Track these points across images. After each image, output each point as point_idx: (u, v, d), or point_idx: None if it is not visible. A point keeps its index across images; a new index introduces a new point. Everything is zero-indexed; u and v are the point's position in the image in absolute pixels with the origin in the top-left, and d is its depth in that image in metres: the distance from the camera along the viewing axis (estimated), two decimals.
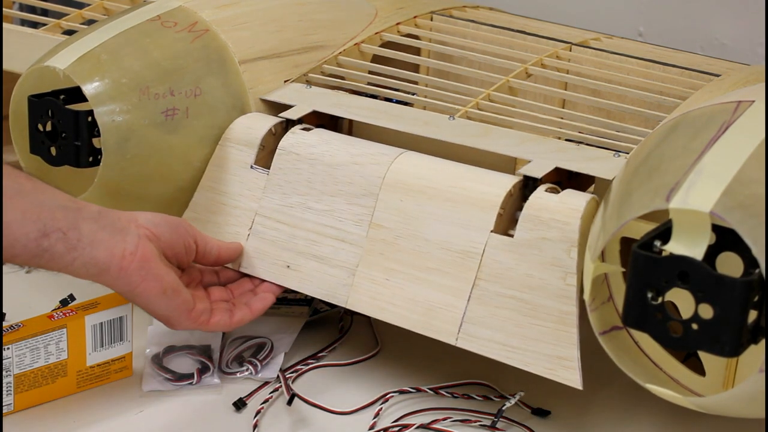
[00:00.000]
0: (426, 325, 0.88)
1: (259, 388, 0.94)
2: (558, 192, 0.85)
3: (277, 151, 0.96)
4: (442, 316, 0.87)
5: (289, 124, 0.97)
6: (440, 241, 0.88)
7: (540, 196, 0.85)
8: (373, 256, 0.90)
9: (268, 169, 0.96)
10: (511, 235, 0.85)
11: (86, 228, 0.82)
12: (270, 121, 0.97)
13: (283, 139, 0.96)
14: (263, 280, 0.95)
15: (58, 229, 0.81)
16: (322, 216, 0.93)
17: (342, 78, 1.06)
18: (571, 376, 0.81)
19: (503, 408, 0.90)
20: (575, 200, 0.83)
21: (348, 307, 0.91)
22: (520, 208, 0.85)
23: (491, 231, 0.86)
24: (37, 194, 0.81)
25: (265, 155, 0.96)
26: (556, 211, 0.83)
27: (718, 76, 1.02)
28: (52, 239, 0.80)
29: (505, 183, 0.87)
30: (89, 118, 0.91)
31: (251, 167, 0.96)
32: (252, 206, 0.96)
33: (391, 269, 0.90)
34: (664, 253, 0.69)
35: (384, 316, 0.90)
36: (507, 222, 0.86)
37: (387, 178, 0.91)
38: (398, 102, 1.02)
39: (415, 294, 0.88)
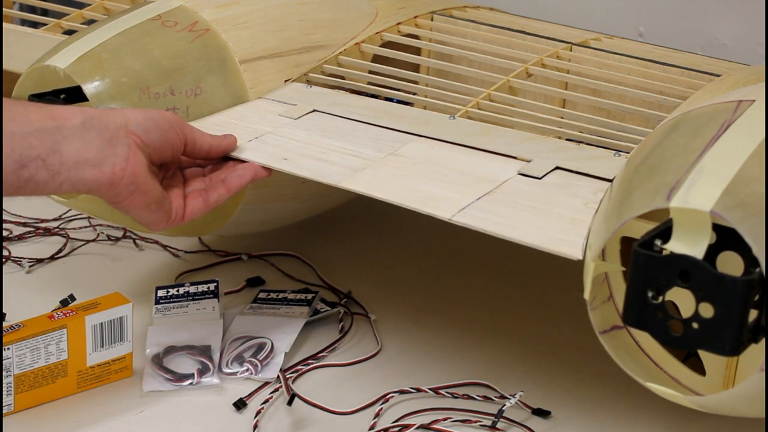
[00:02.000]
0: (423, 204, 0.83)
1: (259, 388, 0.94)
2: None
3: (314, 111, 0.96)
4: (443, 201, 0.83)
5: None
6: (462, 169, 0.87)
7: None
8: (383, 166, 0.88)
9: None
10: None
11: (68, 148, 0.79)
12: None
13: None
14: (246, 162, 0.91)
15: (36, 156, 0.77)
16: (341, 142, 0.91)
17: (342, 78, 1.06)
18: (571, 250, 0.77)
19: (503, 408, 0.90)
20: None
21: (341, 185, 0.86)
22: None
23: (518, 173, 0.86)
24: (8, 124, 0.77)
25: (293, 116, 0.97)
26: (584, 177, 0.85)
27: (718, 76, 1.02)
28: (31, 169, 0.77)
29: None
30: None
31: (278, 115, 0.96)
32: (266, 129, 0.94)
33: (399, 174, 0.87)
34: (664, 252, 0.69)
35: (380, 194, 0.85)
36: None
37: (421, 139, 0.91)
38: (399, 102, 1.03)
39: (419, 187, 0.85)
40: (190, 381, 0.93)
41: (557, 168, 0.88)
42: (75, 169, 0.79)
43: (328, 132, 0.94)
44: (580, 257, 0.76)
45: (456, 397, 0.93)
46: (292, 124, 0.95)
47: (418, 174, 0.87)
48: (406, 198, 0.84)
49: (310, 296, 1.07)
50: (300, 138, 0.93)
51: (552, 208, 0.81)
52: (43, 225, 1.22)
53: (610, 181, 0.84)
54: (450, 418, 0.90)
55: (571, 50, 1.11)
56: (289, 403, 0.90)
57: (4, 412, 0.88)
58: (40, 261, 1.15)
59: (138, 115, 0.84)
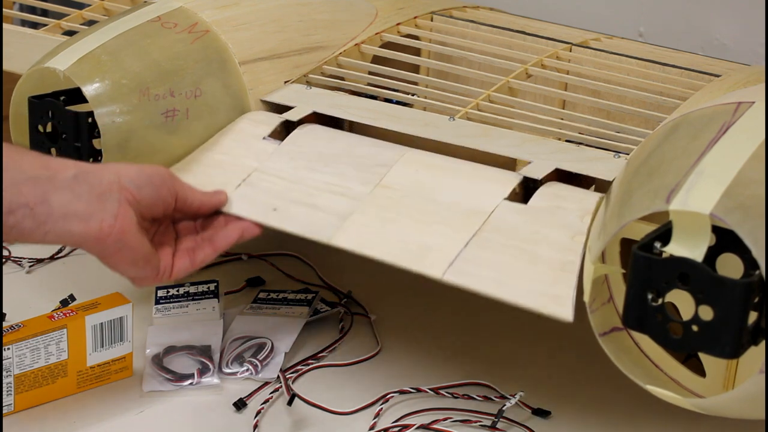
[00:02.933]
0: (413, 261, 0.83)
1: (260, 388, 0.94)
2: None
3: (296, 129, 0.95)
4: (433, 255, 0.82)
5: (289, 124, 0.97)
6: (449, 202, 0.85)
7: (557, 183, 0.86)
8: (371, 207, 0.86)
9: (281, 141, 0.95)
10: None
11: (58, 200, 0.79)
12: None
13: (304, 124, 0.96)
14: (238, 218, 0.90)
15: (24, 204, 0.77)
16: (326, 176, 0.90)
17: (342, 79, 1.06)
18: (563, 310, 0.77)
19: (503, 408, 0.90)
20: (590, 192, 0.85)
21: (331, 243, 0.86)
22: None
23: (504, 198, 0.85)
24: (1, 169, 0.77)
25: (279, 136, 0.96)
26: (574, 190, 0.84)
27: (718, 76, 1.02)
28: (17, 216, 0.77)
29: (520, 175, 0.87)
30: (89, 119, 0.91)
31: (263, 138, 0.95)
32: (252, 164, 0.93)
33: (387, 218, 0.86)
34: (664, 255, 0.69)
35: (369, 252, 0.84)
36: (519, 200, 0.85)
37: (406, 156, 0.90)
38: (398, 103, 1.02)
39: (408, 237, 0.84)
40: (190, 381, 0.94)
41: (556, 169, 0.88)
42: (62, 221, 0.79)
43: (312, 161, 0.92)
44: (571, 319, 0.76)
45: (456, 397, 0.94)
46: (277, 153, 0.93)
47: (405, 215, 0.85)
48: (396, 255, 0.83)
49: (310, 296, 1.07)
50: (286, 174, 0.91)
51: (540, 250, 0.80)
52: None
53: (610, 182, 0.84)
54: (450, 418, 0.90)
55: (570, 51, 1.11)
56: (289, 403, 0.90)
57: (4, 412, 0.88)
58: (40, 261, 1.15)
59: (131, 170, 0.84)
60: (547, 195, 0.84)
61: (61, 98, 0.92)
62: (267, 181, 0.92)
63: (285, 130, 0.96)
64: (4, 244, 1.17)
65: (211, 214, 0.91)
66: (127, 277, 0.86)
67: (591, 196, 0.83)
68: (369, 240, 0.85)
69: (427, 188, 0.87)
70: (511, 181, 0.86)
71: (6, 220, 0.77)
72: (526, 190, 0.86)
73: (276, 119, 0.97)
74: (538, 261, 0.80)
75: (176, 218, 0.90)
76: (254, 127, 0.96)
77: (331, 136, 0.94)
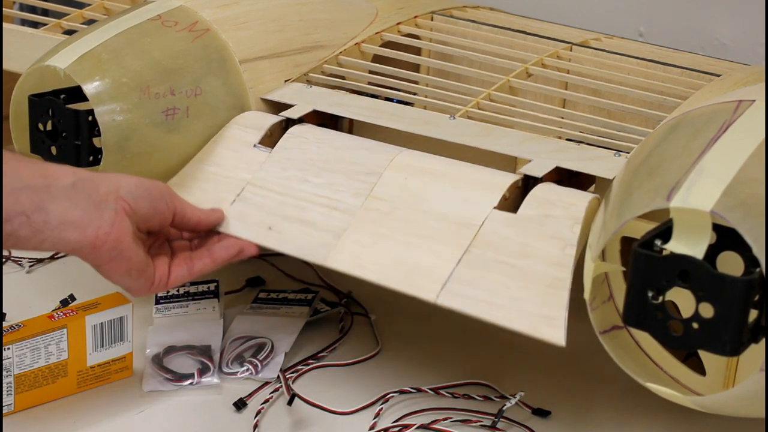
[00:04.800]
0: (407, 283, 0.84)
1: (260, 388, 0.94)
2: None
3: (286, 133, 0.95)
4: (426, 276, 0.83)
5: (289, 123, 0.97)
6: (439, 212, 0.86)
7: (548, 184, 0.85)
8: (364, 222, 0.87)
9: (271, 148, 0.95)
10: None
11: (55, 208, 0.79)
12: (280, 117, 0.97)
13: (293, 127, 0.96)
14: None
15: (21, 212, 0.77)
16: (318, 188, 0.90)
17: (342, 78, 1.06)
18: (555, 333, 0.78)
19: (503, 408, 0.90)
20: (582, 193, 0.84)
21: (326, 264, 0.87)
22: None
23: (494, 207, 0.85)
24: None
25: (270, 141, 0.95)
26: (564, 194, 0.83)
27: (718, 76, 1.02)
28: (14, 224, 0.77)
29: (512, 176, 0.87)
30: (90, 118, 0.91)
31: (254, 146, 0.95)
32: (245, 177, 0.94)
33: (380, 234, 0.86)
34: (664, 253, 0.69)
35: (364, 273, 0.85)
36: (510, 206, 0.85)
37: (395, 161, 0.90)
38: (399, 102, 1.02)
39: (401, 256, 0.85)
40: (190, 381, 0.93)
41: (556, 168, 0.88)
42: (58, 229, 0.79)
43: (303, 169, 0.92)
44: (564, 343, 0.77)
45: (456, 397, 0.93)
46: (269, 161, 0.93)
47: (397, 231, 0.86)
48: (390, 277, 0.84)
49: (310, 296, 1.07)
50: (279, 187, 0.92)
51: (531, 265, 0.80)
52: None
53: (611, 180, 0.84)
54: (450, 418, 0.90)
55: (571, 50, 1.11)
56: (289, 403, 0.90)
57: (4, 412, 0.88)
58: (40, 261, 1.15)
59: (130, 182, 0.84)
60: (536, 201, 0.83)
61: (62, 96, 0.92)
62: (260, 195, 0.92)
63: (279, 130, 0.96)
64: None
65: (207, 232, 0.91)
66: (122, 286, 0.86)
67: (581, 201, 0.82)
68: (363, 261, 0.85)
69: (417, 198, 0.87)
70: (500, 186, 0.85)
71: (3, 228, 0.77)
72: (525, 188, 0.86)
73: (266, 121, 0.97)
74: (529, 278, 0.80)
75: (172, 235, 0.90)
76: (244, 134, 0.96)
77: (320, 139, 0.94)
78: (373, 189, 0.89)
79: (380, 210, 0.87)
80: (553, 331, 0.78)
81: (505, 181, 0.86)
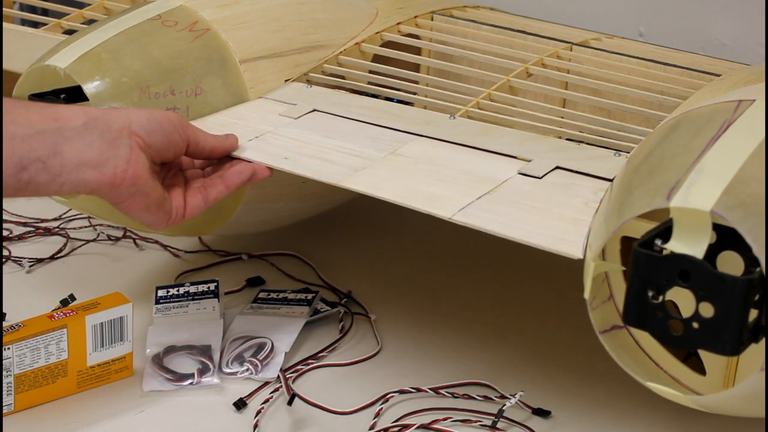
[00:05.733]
0: (424, 203, 0.83)
1: (260, 388, 0.94)
2: None
3: (314, 111, 0.96)
4: (443, 200, 0.83)
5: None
6: (462, 169, 0.87)
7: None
8: (384, 165, 0.88)
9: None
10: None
11: (69, 150, 0.79)
12: None
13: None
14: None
15: (36, 159, 0.77)
16: (341, 142, 0.91)
17: (343, 77, 1.06)
18: (572, 249, 0.77)
19: (503, 408, 0.90)
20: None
21: (342, 185, 0.86)
22: None
23: (519, 172, 0.86)
24: (9, 126, 0.77)
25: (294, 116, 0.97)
26: (585, 177, 0.85)
27: (718, 75, 1.02)
28: (31, 171, 0.77)
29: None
30: None
31: (279, 114, 0.96)
32: (266, 128, 0.94)
33: (400, 173, 0.87)
34: (664, 252, 0.69)
35: (380, 194, 0.85)
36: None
37: (421, 138, 0.91)
38: (399, 101, 1.03)
39: (420, 187, 0.85)
40: (190, 381, 0.93)
41: (557, 167, 0.88)
42: (76, 171, 0.79)
43: (329, 132, 0.94)
44: (581, 256, 0.76)
45: (456, 397, 0.93)
46: (293, 124, 0.95)
47: (418, 174, 0.87)
48: (406, 198, 0.84)
49: (310, 296, 1.07)
50: (301, 137, 0.93)
51: (552, 208, 0.81)
52: (43, 225, 1.22)
53: (611, 180, 0.84)
54: (450, 418, 0.90)
55: (571, 50, 1.11)
56: (289, 403, 0.90)
57: (4, 412, 0.88)
58: (40, 261, 1.15)
59: (142, 115, 0.84)
60: (559, 176, 0.85)
61: (62, 96, 0.92)
62: (280, 140, 0.92)
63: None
64: (4, 244, 1.17)
65: (221, 160, 0.91)
66: (141, 221, 0.86)
67: (602, 183, 0.84)
68: (380, 184, 0.85)
69: (441, 158, 0.88)
70: (522, 165, 0.87)
71: (20, 177, 0.77)
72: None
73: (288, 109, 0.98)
74: (549, 214, 0.81)
75: (185, 164, 0.90)
76: (271, 105, 0.97)
77: (346, 120, 0.96)
78: (397, 149, 0.89)
79: (402, 162, 0.88)
80: (570, 247, 0.77)
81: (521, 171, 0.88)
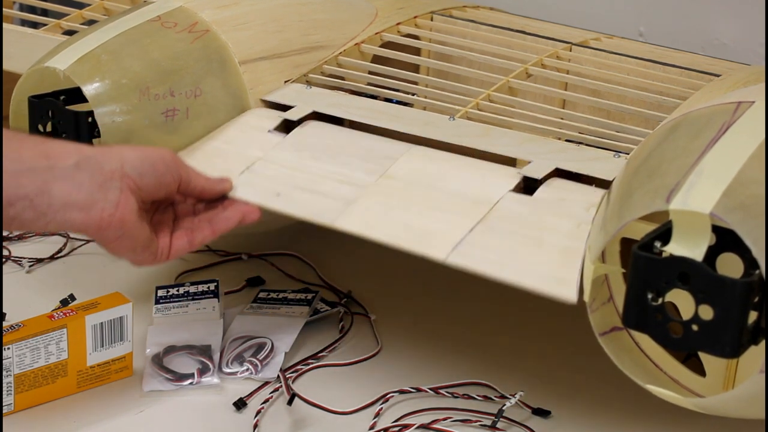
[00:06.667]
0: (417, 244, 0.82)
1: (260, 388, 0.94)
2: None
3: (303, 123, 0.95)
4: (437, 238, 0.83)
5: (289, 124, 0.97)
6: (454, 191, 0.86)
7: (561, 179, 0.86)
8: (376, 194, 0.87)
9: (286, 134, 0.95)
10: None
11: (58, 190, 0.78)
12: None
13: (310, 120, 0.96)
14: (239, 202, 0.90)
15: (24, 196, 0.76)
16: (332, 166, 0.90)
17: (342, 78, 1.06)
18: (567, 291, 0.77)
19: (503, 408, 0.90)
20: (595, 189, 0.85)
21: (334, 226, 0.86)
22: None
23: (510, 190, 0.85)
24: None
25: (285, 129, 0.96)
26: (578, 185, 0.85)
27: (718, 76, 1.02)
28: (18, 207, 0.77)
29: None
30: (89, 119, 0.91)
31: (269, 131, 0.95)
32: (256, 154, 0.93)
33: (392, 205, 0.86)
34: (664, 254, 0.69)
35: (373, 234, 0.84)
36: (524, 192, 0.85)
37: (412, 150, 0.90)
38: (398, 102, 1.02)
39: (413, 222, 0.84)
40: (190, 381, 0.93)
41: (556, 169, 0.88)
42: (62, 211, 0.78)
43: (318, 152, 0.92)
44: (575, 300, 0.77)
45: (456, 397, 0.94)
46: (282, 145, 0.93)
47: (410, 202, 0.86)
48: (400, 238, 0.83)
49: (310, 296, 1.07)
50: (290, 163, 0.92)
51: (545, 235, 0.80)
52: None
53: (610, 181, 0.84)
54: (450, 418, 0.90)
55: (571, 50, 1.11)
56: (289, 402, 0.90)
57: (4, 412, 0.88)
58: (40, 261, 1.15)
59: (135, 156, 0.83)
60: (551, 188, 0.85)
61: (61, 98, 0.92)
62: (271, 168, 0.92)
63: (288, 127, 0.96)
64: (4, 244, 1.17)
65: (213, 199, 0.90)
66: (126, 260, 0.86)
67: (595, 191, 0.83)
68: (373, 223, 0.85)
69: (432, 178, 0.87)
70: (515, 176, 0.86)
71: (6, 212, 0.76)
72: (526, 189, 0.86)
73: (280, 116, 0.97)
74: (542, 245, 0.80)
75: (177, 201, 0.90)
76: (259, 121, 0.97)
77: (336, 130, 0.95)
78: (387, 169, 0.89)
79: (394, 186, 0.87)
80: (565, 289, 0.77)
81: (519, 173, 0.87)
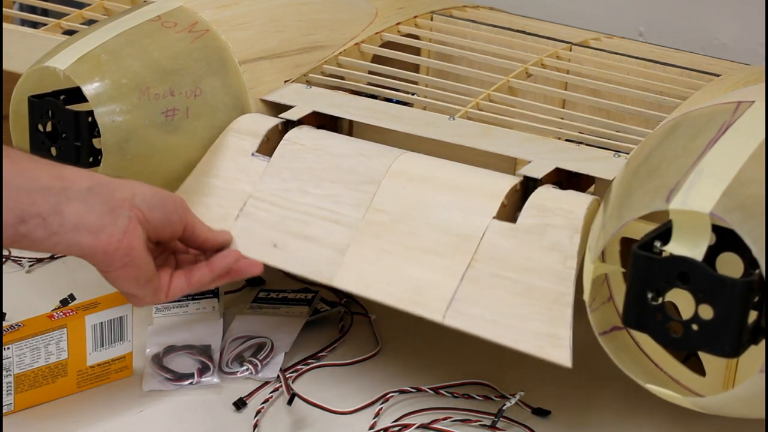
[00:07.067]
0: (413, 302, 0.85)
1: (259, 388, 0.94)
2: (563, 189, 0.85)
3: (283, 140, 0.95)
4: (431, 294, 0.84)
5: (289, 124, 0.97)
6: (439, 224, 0.86)
7: (547, 188, 0.85)
8: (367, 237, 0.88)
9: (269, 157, 0.95)
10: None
11: (70, 211, 0.79)
12: (277, 120, 0.97)
13: (290, 131, 0.96)
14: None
15: (37, 214, 0.77)
16: (319, 200, 0.91)
17: (342, 78, 1.06)
18: (561, 354, 0.79)
19: (503, 408, 0.90)
20: (580, 196, 0.84)
21: (333, 284, 0.88)
22: (521, 209, 0.85)
23: (493, 218, 0.85)
24: (15, 178, 0.77)
25: (268, 147, 0.96)
26: (562, 200, 0.83)
27: (718, 76, 1.02)
28: (30, 225, 0.77)
29: (510, 179, 0.87)
30: (89, 119, 0.91)
31: (252, 155, 0.96)
32: (246, 189, 0.94)
33: (384, 250, 0.87)
34: (664, 254, 0.69)
35: (370, 293, 0.87)
36: (509, 214, 0.85)
37: (392, 167, 0.90)
38: (398, 102, 1.02)
39: (406, 272, 0.86)
40: (190, 381, 0.94)
41: (556, 168, 0.88)
42: (73, 232, 0.79)
43: (304, 178, 0.93)
44: (569, 364, 0.78)
45: (456, 397, 0.94)
46: (268, 173, 0.94)
47: (399, 246, 0.87)
48: (395, 296, 0.85)
49: (310, 296, 1.07)
50: (280, 200, 0.92)
51: (533, 280, 0.81)
52: None
53: (610, 181, 0.84)
54: (450, 417, 0.90)
55: (571, 50, 1.11)
56: (289, 402, 0.90)
57: (4, 411, 0.88)
58: (40, 261, 1.15)
59: (146, 190, 0.84)
60: (535, 209, 0.84)
61: (61, 97, 0.92)
62: (262, 209, 0.93)
63: (276, 134, 0.96)
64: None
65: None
66: (126, 294, 0.86)
67: (579, 207, 0.82)
68: (369, 279, 0.87)
69: (416, 209, 0.88)
70: (498, 193, 0.86)
71: (18, 229, 0.77)
72: (525, 189, 0.86)
73: (261, 127, 0.97)
74: (532, 294, 0.81)
75: (178, 249, 0.91)
76: (242, 141, 0.96)
77: (317, 145, 0.94)
78: (372, 200, 0.89)
79: (381, 223, 0.88)
80: (560, 352, 0.79)
81: (503, 186, 0.86)
